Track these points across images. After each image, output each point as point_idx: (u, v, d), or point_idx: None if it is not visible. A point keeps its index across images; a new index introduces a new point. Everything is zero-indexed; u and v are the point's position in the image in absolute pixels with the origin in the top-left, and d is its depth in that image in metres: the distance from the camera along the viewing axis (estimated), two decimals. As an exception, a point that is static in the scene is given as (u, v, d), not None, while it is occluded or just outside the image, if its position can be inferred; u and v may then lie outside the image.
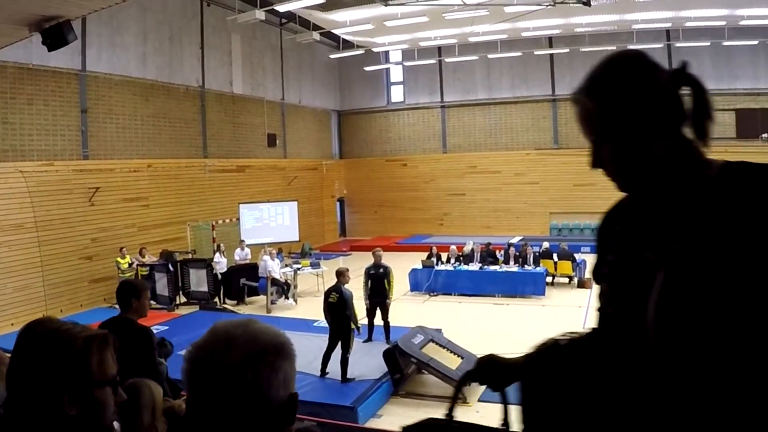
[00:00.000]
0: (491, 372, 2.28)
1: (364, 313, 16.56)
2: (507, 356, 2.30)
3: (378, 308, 16.64)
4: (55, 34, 12.70)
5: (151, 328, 6.74)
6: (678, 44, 32.16)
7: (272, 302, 21.90)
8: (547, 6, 25.65)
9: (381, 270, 16.98)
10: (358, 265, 20.61)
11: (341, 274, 14.53)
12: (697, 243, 1.71)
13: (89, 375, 1.93)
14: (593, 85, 1.88)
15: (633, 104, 1.81)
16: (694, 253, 1.71)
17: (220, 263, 22.79)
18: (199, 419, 1.55)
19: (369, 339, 16.23)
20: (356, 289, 15.72)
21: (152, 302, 19.98)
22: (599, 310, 2.05)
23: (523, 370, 2.19)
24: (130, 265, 21.73)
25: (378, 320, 16.61)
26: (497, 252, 25.12)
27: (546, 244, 25.46)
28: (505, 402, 2.24)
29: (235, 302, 22.61)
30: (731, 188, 1.73)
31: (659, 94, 1.82)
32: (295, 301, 22.55)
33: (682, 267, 1.72)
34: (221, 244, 23.80)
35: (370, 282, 16.91)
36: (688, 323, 1.69)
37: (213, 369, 1.52)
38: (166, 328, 17.38)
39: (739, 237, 1.66)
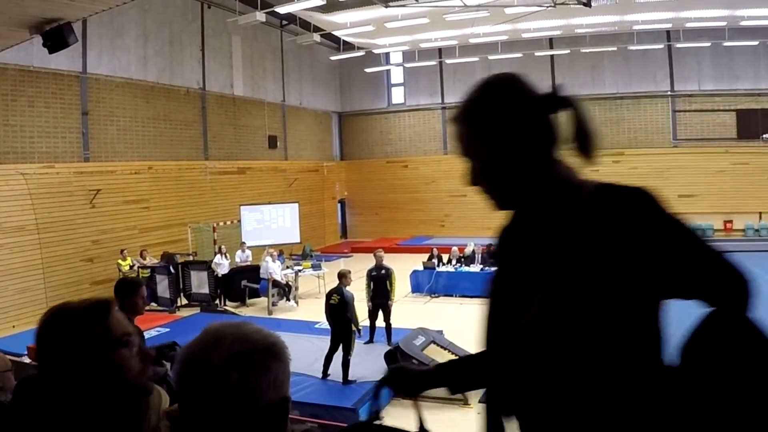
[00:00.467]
0: (402, 380, 2.40)
1: (366, 314, 16.58)
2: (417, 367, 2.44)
3: (380, 310, 16.65)
4: (56, 37, 12.74)
5: (154, 329, 6.89)
6: (678, 45, 32.26)
7: (273, 304, 21.91)
8: (547, 7, 25.66)
9: (383, 271, 17.00)
10: (359, 266, 20.61)
11: (343, 276, 14.54)
12: (565, 268, 1.83)
13: (97, 343, 1.97)
14: (464, 109, 2.02)
15: (498, 128, 1.92)
16: (563, 277, 1.83)
17: (222, 265, 22.75)
18: (188, 419, 1.55)
19: (370, 341, 16.22)
20: (358, 291, 15.77)
21: (153, 304, 20.08)
22: (482, 323, 2.18)
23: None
24: (131, 267, 21.72)
25: (380, 322, 16.61)
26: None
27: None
28: (417, 408, 2.39)
29: (236, 304, 22.63)
30: (598, 214, 1.82)
31: (525, 118, 1.91)
32: (296, 302, 22.56)
33: (554, 289, 1.84)
34: (222, 246, 23.76)
35: (372, 283, 16.94)
36: (558, 342, 1.83)
37: (200, 368, 1.52)
38: (168, 330, 17.35)
39: (603, 262, 1.78)
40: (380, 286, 16.80)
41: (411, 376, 2.40)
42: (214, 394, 1.50)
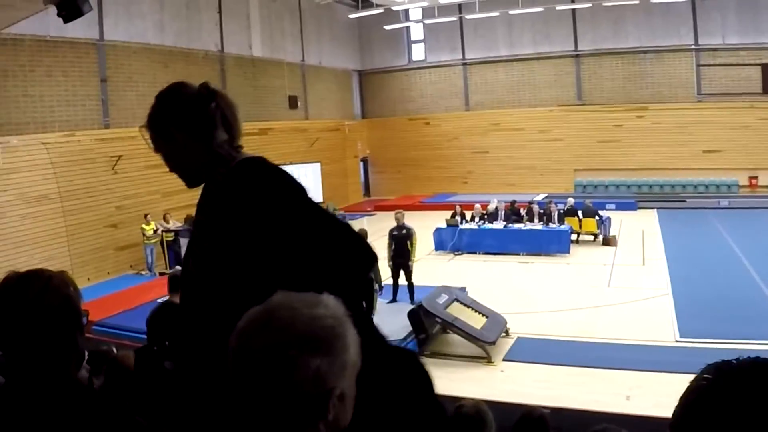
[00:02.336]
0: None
1: (389, 273, 16.65)
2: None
3: (401, 269, 16.70)
4: (70, 6, 12.70)
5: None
6: (702, -3, 31.63)
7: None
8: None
9: (404, 231, 17.07)
10: (382, 224, 20.69)
11: (364, 235, 14.58)
12: (201, 229, 2.69)
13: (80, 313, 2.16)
14: (148, 117, 2.65)
15: (168, 125, 2.59)
16: (198, 226, 2.71)
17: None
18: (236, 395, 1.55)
19: (394, 300, 16.29)
20: (379, 250, 15.80)
21: (178, 267, 20.20)
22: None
23: None
24: (155, 231, 21.86)
25: (402, 281, 16.68)
26: (521, 210, 25.05)
27: (571, 201, 25.35)
28: None
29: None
30: (226, 187, 2.58)
31: (185, 113, 2.57)
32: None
33: (195, 246, 2.70)
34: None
35: (393, 243, 16.99)
36: (195, 286, 2.60)
37: (242, 349, 1.52)
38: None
39: (218, 218, 2.58)
40: (401, 246, 16.88)
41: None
42: (248, 378, 1.50)
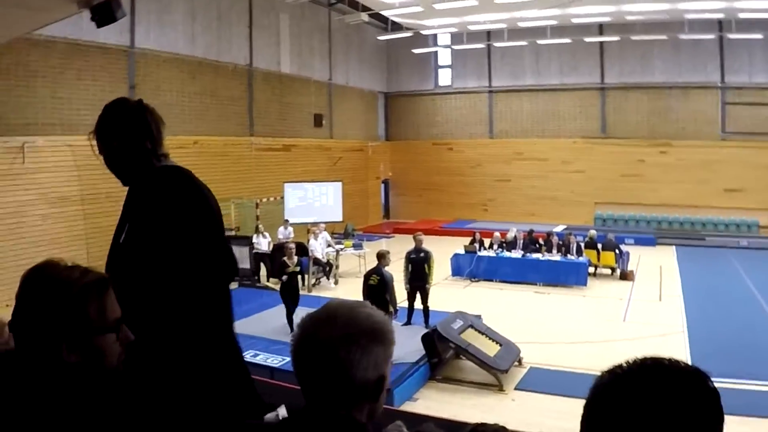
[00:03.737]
0: None
1: (405, 296, 16.58)
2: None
3: (417, 292, 16.63)
4: (104, 11, 12.73)
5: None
6: (730, 35, 31.53)
7: (315, 282, 22.03)
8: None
9: (422, 254, 16.97)
10: (400, 247, 20.64)
11: (382, 257, 14.63)
12: (128, 213, 3.14)
13: (88, 322, 1.97)
14: (96, 124, 3.16)
15: (107, 133, 3.14)
16: (122, 218, 3.16)
17: (260, 243, 22.83)
18: (301, 384, 1.79)
19: (408, 322, 16.21)
20: (396, 272, 15.81)
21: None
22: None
23: None
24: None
25: (418, 304, 16.60)
26: (539, 240, 24.96)
27: (593, 233, 25.23)
28: None
29: (277, 280, 22.65)
30: (144, 188, 3.10)
31: (121, 123, 3.13)
32: (336, 281, 22.62)
33: (129, 229, 3.10)
34: (260, 225, 23.81)
35: (410, 266, 16.92)
36: (129, 255, 3.05)
37: (309, 341, 1.76)
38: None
39: (139, 219, 3.08)
40: (418, 269, 16.78)
41: None
42: (316, 366, 1.74)
